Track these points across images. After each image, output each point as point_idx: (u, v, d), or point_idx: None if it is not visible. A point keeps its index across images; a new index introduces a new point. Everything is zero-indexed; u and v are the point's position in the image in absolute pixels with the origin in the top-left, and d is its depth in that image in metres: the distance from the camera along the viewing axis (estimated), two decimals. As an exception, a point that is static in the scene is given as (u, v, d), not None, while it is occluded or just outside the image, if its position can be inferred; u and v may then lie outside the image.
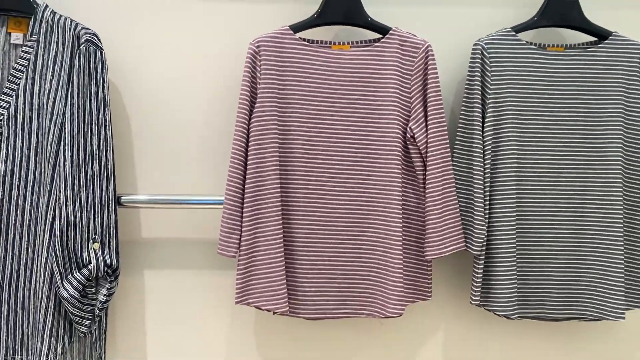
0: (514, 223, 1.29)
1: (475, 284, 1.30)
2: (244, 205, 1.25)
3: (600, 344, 1.46)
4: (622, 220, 1.30)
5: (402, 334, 1.43)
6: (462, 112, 1.33)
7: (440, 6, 1.40)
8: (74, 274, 1.20)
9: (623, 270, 1.28)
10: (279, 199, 1.25)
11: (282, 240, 1.25)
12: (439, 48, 1.36)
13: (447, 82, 1.39)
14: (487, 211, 1.30)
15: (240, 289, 1.25)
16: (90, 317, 1.22)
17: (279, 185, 1.25)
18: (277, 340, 1.41)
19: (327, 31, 1.37)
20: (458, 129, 1.33)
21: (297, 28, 1.29)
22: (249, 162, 1.25)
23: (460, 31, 1.40)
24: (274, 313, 1.27)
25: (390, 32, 1.29)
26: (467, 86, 1.32)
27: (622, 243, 1.29)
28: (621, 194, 1.30)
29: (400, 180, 1.27)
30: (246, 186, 1.25)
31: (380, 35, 1.31)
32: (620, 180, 1.30)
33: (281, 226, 1.25)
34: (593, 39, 1.37)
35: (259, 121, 1.25)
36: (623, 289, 1.28)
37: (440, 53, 1.37)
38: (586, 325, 1.42)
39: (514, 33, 1.32)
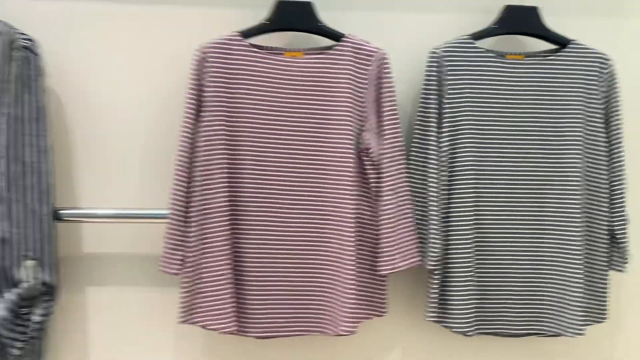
0: (471, 237, 1.25)
1: (430, 300, 1.25)
2: (190, 219, 1.19)
3: (561, 359, 1.44)
4: (582, 235, 1.26)
5: (357, 351, 1.38)
6: (417, 122, 1.29)
7: (398, 12, 1.35)
8: (5, 293, 1.14)
9: (583, 286, 1.25)
10: (228, 213, 1.19)
11: (230, 256, 1.19)
12: (396, 55, 1.32)
13: (405, 90, 1.34)
14: (443, 225, 1.26)
15: (185, 307, 1.19)
16: (23, 340, 1.14)
17: (228, 198, 1.20)
18: (227, 360, 1.38)
19: (281, 37, 1.31)
20: (413, 140, 1.29)
21: (247, 34, 1.23)
22: (195, 174, 1.19)
23: (418, 38, 1.35)
24: (222, 333, 1.21)
25: (343, 39, 1.24)
26: (422, 95, 1.28)
27: (582, 258, 1.25)
28: (581, 208, 1.26)
29: (353, 193, 1.22)
30: (192, 199, 1.19)
31: (334, 42, 1.27)
32: (580, 194, 1.27)
33: (229, 241, 1.19)
34: (554, 46, 1.33)
35: (206, 131, 1.19)
36: (582, 304, 1.25)
37: (398, 60, 1.32)
38: (546, 341, 1.38)
39: (472, 41, 1.27)
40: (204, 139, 1.19)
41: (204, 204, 1.19)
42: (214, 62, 1.20)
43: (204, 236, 1.19)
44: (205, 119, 1.19)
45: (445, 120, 1.26)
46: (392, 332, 1.39)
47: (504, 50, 1.34)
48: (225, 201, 1.19)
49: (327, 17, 1.28)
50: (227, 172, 1.20)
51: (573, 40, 1.30)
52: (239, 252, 1.22)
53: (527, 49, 1.37)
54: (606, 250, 1.30)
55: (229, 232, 1.19)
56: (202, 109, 1.20)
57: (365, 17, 1.34)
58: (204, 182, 1.19)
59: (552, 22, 1.34)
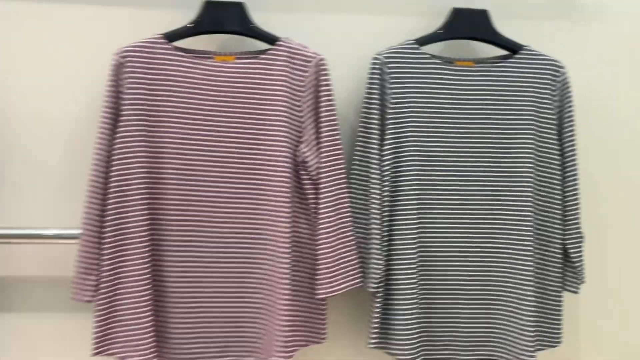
0: (416, 257, 1.16)
1: (372, 325, 1.16)
2: (104, 241, 1.08)
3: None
4: (533, 254, 1.18)
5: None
6: (359, 133, 1.19)
7: (340, 14, 1.26)
8: None
9: (533, 309, 1.16)
10: (147, 233, 1.08)
11: (149, 280, 1.08)
12: (338, 60, 1.24)
13: (348, 98, 1.25)
14: (386, 244, 1.16)
15: (100, 337, 1.08)
16: None
17: (147, 218, 1.09)
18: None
19: (214, 40, 1.21)
20: (355, 152, 1.20)
21: (172, 36, 1.13)
22: (110, 191, 1.08)
23: (363, 42, 1.26)
24: (141, 364, 1.12)
25: (278, 42, 1.14)
26: (364, 105, 1.19)
27: (533, 279, 1.17)
28: (532, 225, 1.18)
29: (289, 210, 1.12)
30: (107, 219, 1.08)
31: (269, 46, 1.16)
32: (531, 210, 1.18)
33: (149, 265, 1.08)
34: (506, 52, 1.25)
35: (122, 143, 1.08)
36: (533, 328, 1.16)
37: (340, 66, 1.24)
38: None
39: (417, 46, 1.19)
40: (119, 152, 1.08)
41: (120, 224, 1.08)
42: (133, 67, 1.09)
43: (119, 260, 1.08)
44: (121, 130, 1.08)
45: (389, 131, 1.17)
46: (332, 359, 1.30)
47: (454, 56, 1.26)
48: (143, 221, 1.08)
49: (262, 18, 1.19)
50: (147, 189, 1.09)
51: (525, 46, 1.22)
52: (160, 276, 1.11)
53: (479, 55, 1.29)
54: (560, 270, 1.21)
55: (148, 255, 1.08)
56: (120, 118, 1.09)
57: (304, 19, 1.25)
58: (119, 200, 1.08)
59: (505, 25, 1.26)
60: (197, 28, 1.13)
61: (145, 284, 1.08)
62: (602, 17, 1.35)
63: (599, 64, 1.35)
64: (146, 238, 1.08)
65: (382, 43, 1.24)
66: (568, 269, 1.22)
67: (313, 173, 1.14)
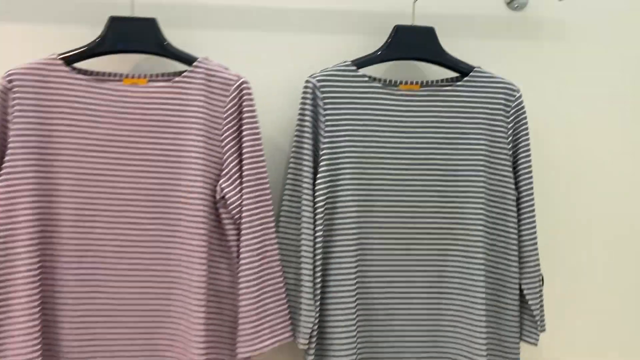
0: (354, 307, 1.02)
1: (304, 386, 1.04)
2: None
3: None
4: (484, 304, 1.03)
5: None
6: (290, 165, 1.06)
7: (273, 32, 1.13)
8: None
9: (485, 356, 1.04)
10: (36, 287, 0.92)
11: (39, 345, 0.91)
12: (272, 83, 1.11)
13: (283, 126, 1.12)
14: (320, 292, 1.02)
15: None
16: None
17: (37, 270, 0.92)
18: None
19: (126, 61, 1.07)
20: (285, 186, 1.06)
21: (70, 57, 0.98)
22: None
23: (302, 62, 1.13)
24: None
25: (196, 63, 1.00)
26: (296, 133, 1.05)
27: (485, 332, 1.03)
28: (483, 269, 1.04)
29: (205, 255, 0.97)
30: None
31: (187, 68, 1.02)
32: (483, 251, 1.04)
33: (38, 326, 0.91)
34: (457, 74, 1.13)
35: (8, 182, 0.92)
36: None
37: (274, 90, 1.12)
38: None
39: (354, 68, 1.06)
40: (4, 189, 0.92)
41: (3, 279, 0.91)
42: (22, 92, 0.94)
43: (3, 324, 0.92)
44: (6, 165, 0.93)
45: (323, 162, 1.03)
46: None
47: (402, 78, 1.15)
48: (30, 273, 0.92)
49: (182, 36, 1.07)
50: (38, 233, 0.93)
51: (476, 67, 1.09)
52: (54, 336, 0.95)
53: (428, 77, 1.17)
54: (517, 319, 1.08)
55: (37, 314, 0.91)
56: (6, 152, 0.94)
57: (232, 38, 1.12)
58: (3, 245, 0.91)
59: (457, 45, 1.17)
60: (99, 47, 0.99)
61: (35, 349, 0.91)
62: (559, 36, 1.24)
63: (557, 85, 1.23)
64: (35, 295, 0.91)
65: (323, 64, 1.12)
66: (526, 316, 1.09)
67: (234, 211, 1.00)
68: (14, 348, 0.91)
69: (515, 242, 1.08)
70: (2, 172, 0.93)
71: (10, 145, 0.93)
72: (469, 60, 1.17)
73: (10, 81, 0.94)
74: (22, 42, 1.05)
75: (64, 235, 0.96)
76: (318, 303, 1.02)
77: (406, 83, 1.11)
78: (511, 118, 1.08)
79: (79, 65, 1.01)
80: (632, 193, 1.27)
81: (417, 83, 1.11)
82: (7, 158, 0.93)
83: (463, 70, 1.10)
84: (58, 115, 0.96)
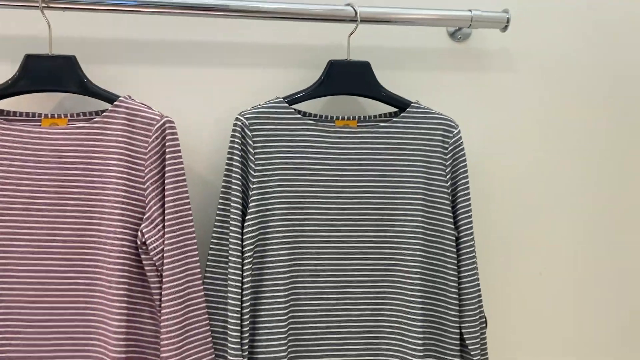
0: (285, 356, 0.97)
1: None
2: None
3: None
4: (421, 350, 0.99)
5: None
6: (218, 206, 1.01)
7: (202, 66, 1.08)
8: None
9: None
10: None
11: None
12: (199, 119, 1.07)
13: (213, 164, 1.08)
14: (247, 342, 0.97)
15: None
16: None
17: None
18: None
19: (50, 100, 1.02)
20: (213, 229, 1.01)
21: (-16, 98, 0.96)
22: None
23: (232, 97, 1.09)
24: None
25: (117, 102, 0.96)
26: (225, 173, 1.01)
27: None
28: (420, 314, 1.00)
29: (125, 304, 0.92)
30: None
31: (109, 107, 0.98)
32: (419, 297, 1.00)
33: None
34: (394, 109, 1.10)
35: None
36: None
37: (208, 127, 1.08)
38: None
39: (285, 104, 1.02)
40: None
41: None
42: None
43: None
44: None
45: (253, 203, 0.99)
46: None
47: (338, 112, 1.12)
48: None
49: (107, 72, 1.03)
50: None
51: (414, 102, 1.06)
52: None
53: (367, 112, 1.13)
54: (457, 362, 1.06)
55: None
56: None
57: (158, 73, 1.07)
58: None
59: (399, 77, 1.14)
60: (13, 87, 0.94)
61: None
62: (503, 66, 1.21)
63: (500, 116, 1.20)
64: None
65: (257, 98, 1.09)
66: (466, 358, 1.05)
67: (156, 257, 0.95)
68: None
69: (454, 283, 1.03)
70: None
71: None
72: (412, 93, 1.16)
73: None
74: None
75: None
76: (246, 353, 0.97)
77: (343, 119, 1.07)
78: (449, 155, 1.05)
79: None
80: (555, 227, 1.24)
81: (354, 119, 1.08)
82: None
83: (400, 105, 1.07)
84: (-33, 158, 0.92)
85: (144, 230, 0.95)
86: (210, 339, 0.96)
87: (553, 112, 1.23)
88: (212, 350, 0.96)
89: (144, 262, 0.95)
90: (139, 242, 0.94)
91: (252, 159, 1.00)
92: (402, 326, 1.01)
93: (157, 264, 0.95)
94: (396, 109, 1.09)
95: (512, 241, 1.21)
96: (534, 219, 1.22)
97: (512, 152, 1.21)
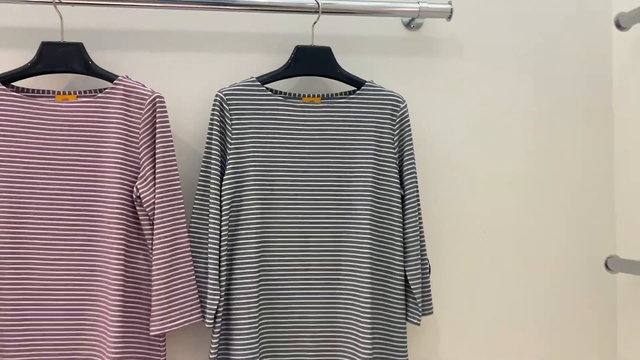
0: (256, 293, 1.16)
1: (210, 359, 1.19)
2: None
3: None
4: (369, 289, 1.18)
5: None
6: (201, 168, 1.20)
7: (188, 52, 1.28)
8: None
9: (370, 344, 1.17)
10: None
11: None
12: (190, 97, 1.27)
13: (197, 134, 1.27)
14: (224, 279, 1.17)
15: None
16: None
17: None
18: None
19: (62, 80, 1.23)
20: (196, 188, 1.21)
21: (6, 77, 1.14)
22: None
23: (212, 78, 1.28)
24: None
25: (116, 81, 1.17)
26: (207, 140, 1.20)
27: (369, 313, 1.18)
28: (369, 258, 1.19)
29: (123, 247, 1.13)
30: None
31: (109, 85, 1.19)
32: (368, 242, 1.19)
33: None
34: (353, 87, 1.29)
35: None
36: (370, 358, 1.17)
37: (192, 102, 1.27)
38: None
39: (258, 83, 1.21)
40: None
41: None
42: (-36, 107, 1.13)
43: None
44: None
45: (230, 166, 1.19)
46: None
47: (306, 92, 1.31)
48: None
49: (109, 57, 1.23)
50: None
51: (368, 81, 1.25)
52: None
53: (331, 91, 1.32)
54: (402, 302, 1.22)
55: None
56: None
57: (151, 57, 1.27)
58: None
59: (359, 62, 1.32)
60: (31, 69, 1.15)
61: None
62: (450, 52, 1.38)
63: (446, 96, 1.37)
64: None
65: (234, 79, 1.28)
66: (410, 300, 1.23)
67: (149, 209, 1.15)
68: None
69: (400, 234, 1.22)
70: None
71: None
72: (370, 76, 1.35)
73: (-47, 98, 1.11)
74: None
75: (1, 231, 1.12)
76: (223, 288, 1.17)
77: (308, 96, 1.26)
78: (397, 125, 1.24)
79: (18, 84, 1.18)
80: (495, 192, 1.40)
81: (318, 96, 1.26)
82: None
83: (357, 84, 1.26)
84: (-5, 127, 1.13)
85: (138, 187, 1.15)
86: (193, 276, 1.16)
87: (494, 89, 1.40)
88: (195, 285, 1.16)
89: (139, 212, 1.15)
90: (134, 197, 1.15)
91: (230, 128, 1.19)
92: (355, 269, 1.20)
93: (149, 214, 1.15)
94: (354, 88, 1.28)
95: (459, 203, 1.38)
96: (477, 184, 1.39)
97: (457, 126, 1.38)
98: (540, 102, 1.42)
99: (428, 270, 1.26)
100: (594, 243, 1.42)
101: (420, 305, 1.22)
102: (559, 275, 1.41)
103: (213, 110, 1.20)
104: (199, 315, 1.15)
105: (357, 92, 1.24)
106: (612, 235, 1.42)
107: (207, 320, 1.15)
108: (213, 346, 1.15)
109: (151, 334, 1.12)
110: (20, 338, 1.12)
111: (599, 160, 1.43)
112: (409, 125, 1.24)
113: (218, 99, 1.20)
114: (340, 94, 1.28)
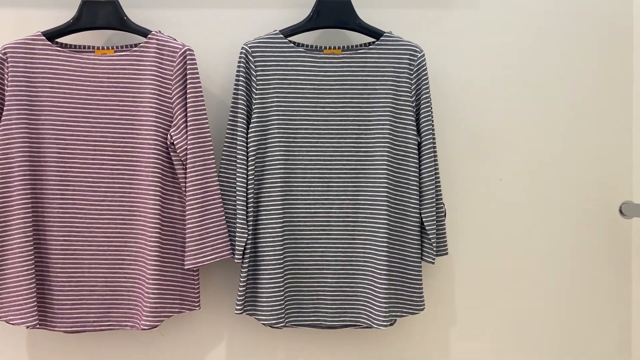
0: (280, 231, 1.26)
1: (239, 293, 1.26)
2: (-9, 218, 1.23)
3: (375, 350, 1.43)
4: (386, 229, 1.26)
5: (172, 344, 1.37)
6: (229, 117, 1.29)
7: (216, 8, 1.36)
8: None
9: (386, 278, 1.25)
10: (29, 210, 1.21)
11: (31, 252, 1.21)
12: (214, 50, 1.35)
13: (225, 85, 1.34)
14: (252, 218, 1.26)
15: (-11, 303, 1.24)
16: None
17: (29, 197, 1.22)
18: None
19: (102, 36, 1.33)
20: (225, 135, 1.30)
21: (51, 34, 1.25)
22: (-4, 174, 1.24)
23: (239, 32, 1.35)
24: (27, 327, 1.24)
25: (149, 35, 1.26)
26: (233, 91, 1.29)
27: (387, 252, 1.26)
28: (386, 200, 1.26)
29: (159, 189, 1.23)
30: (-8, 198, 1.24)
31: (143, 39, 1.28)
32: (385, 186, 1.26)
33: (30, 238, 1.21)
34: (372, 39, 1.33)
35: (4, 131, 1.21)
36: (386, 296, 1.25)
37: (216, 55, 1.35)
38: (362, 332, 1.38)
39: (281, 36, 1.28)
40: (1, 138, 1.20)
41: (3, 203, 1.21)
42: (14, 62, 1.22)
43: (4, 234, 1.21)
44: (3, 118, 1.21)
45: (254, 114, 1.27)
46: (206, 326, 1.38)
47: (328, 44, 1.36)
48: (25, 199, 1.21)
49: (143, 14, 1.31)
50: (29, 170, 1.22)
51: (387, 32, 1.30)
52: (45, 250, 1.24)
53: (352, 43, 1.37)
54: (418, 242, 1.29)
55: (30, 230, 1.21)
56: (4, 108, 1.22)
57: (182, 14, 1.35)
58: (2, 179, 1.21)
59: (377, 15, 1.36)
60: (73, 25, 1.25)
61: (27, 257, 1.20)
62: (467, 4, 1.40)
63: (463, 47, 1.41)
64: (28, 214, 1.21)
65: (259, 33, 1.33)
66: (425, 240, 1.30)
67: (182, 154, 1.25)
68: (12, 256, 1.19)
69: (415, 179, 1.29)
70: (0, 123, 1.21)
71: (6, 103, 1.22)
72: (388, 27, 1.37)
73: (4, 54, 1.22)
74: (15, 23, 1.31)
75: (49, 172, 1.23)
76: (250, 227, 1.26)
77: (329, 48, 1.32)
78: (414, 74, 1.29)
79: (62, 40, 1.27)
80: (511, 138, 1.43)
81: (339, 48, 1.32)
82: (4, 113, 1.21)
83: (375, 35, 1.31)
84: (42, 79, 1.23)
85: (172, 134, 1.24)
86: (223, 216, 1.26)
87: (510, 39, 1.42)
88: (225, 224, 1.26)
89: (173, 158, 1.25)
90: (168, 143, 1.25)
91: (254, 79, 1.27)
92: (373, 210, 1.27)
93: (182, 159, 1.25)
94: (373, 39, 1.33)
95: (476, 149, 1.42)
96: (493, 130, 1.42)
97: (471, 75, 1.41)
98: (559, 51, 1.43)
99: (443, 214, 1.33)
100: (610, 188, 1.45)
101: (434, 245, 1.29)
102: (574, 221, 1.45)
103: (239, 62, 1.27)
104: (228, 251, 1.26)
105: (376, 42, 1.30)
106: (629, 181, 1.45)
107: (237, 256, 1.26)
108: (242, 280, 1.26)
109: (185, 267, 1.24)
110: (68, 271, 1.25)
111: (617, 108, 1.45)
112: (426, 74, 1.29)
113: (243, 51, 1.27)
114: (360, 45, 1.33)
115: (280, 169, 1.27)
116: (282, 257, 1.26)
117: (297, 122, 1.28)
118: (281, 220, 1.27)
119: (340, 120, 1.28)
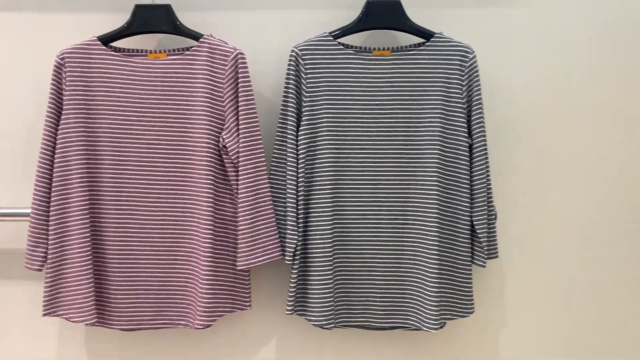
0: (330, 232, 1.27)
1: (289, 294, 1.28)
2: (50, 218, 1.25)
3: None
4: (437, 230, 1.26)
5: (224, 343, 1.40)
6: (279, 119, 1.30)
7: (267, 10, 1.36)
8: None
9: (437, 281, 1.25)
10: (87, 211, 1.25)
11: (89, 252, 1.25)
12: (264, 52, 1.36)
13: (275, 87, 1.35)
14: (302, 220, 1.27)
15: (48, 300, 1.26)
16: None
17: (87, 198, 1.25)
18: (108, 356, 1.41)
19: (152, 39, 1.35)
20: (275, 137, 1.31)
21: (106, 38, 1.27)
22: (54, 175, 1.25)
23: (290, 34, 1.35)
24: (86, 325, 1.28)
25: (202, 39, 1.27)
26: (283, 94, 1.29)
27: (437, 255, 1.25)
28: (437, 202, 1.26)
29: (212, 191, 1.26)
30: (52, 199, 1.25)
31: (196, 43, 1.29)
32: (436, 188, 1.26)
33: (89, 238, 1.25)
34: (422, 40, 1.32)
35: (63, 134, 1.25)
36: (437, 299, 1.25)
37: (267, 57, 1.36)
38: (409, 333, 1.38)
39: (331, 38, 1.28)
40: (61, 141, 1.24)
41: (63, 203, 1.25)
42: (72, 67, 1.25)
43: (63, 234, 1.25)
44: (62, 121, 1.25)
45: (304, 116, 1.28)
46: (257, 325, 1.41)
47: (377, 45, 1.34)
48: (83, 200, 1.24)
49: (194, 17, 1.33)
50: (86, 172, 1.25)
51: (437, 33, 1.28)
52: (102, 249, 1.27)
53: (401, 44, 1.35)
54: (468, 245, 1.29)
55: (88, 230, 1.25)
56: (62, 112, 1.25)
57: (233, 17, 1.36)
58: (62, 182, 1.25)
59: (427, 15, 1.34)
60: (127, 30, 1.27)
61: (86, 256, 1.24)
62: (517, 3, 1.38)
63: (514, 48, 1.38)
64: (86, 217, 1.24)
65: (308, 35, 1.33)
66: (476, 244, 1.29)
67: (233, 157, 1.27)
68: (71, 257, 1.23)
69: (467, 181, 1.28)
70: (60, 126, 1.24)
71: (64, 107, 1.25)
72: (437, 27, 1.35)
73: (62, 58, 1.25)
74: (71, 29, 1.34)
75: (105, 174, 1.27)
76: (301, 229, 1.28)
77: (378, 49, 1.31)
78: (466, 76, 1.27)
79: (115, 44, 1.30)
80: (564, 140, 1.40)
81: (388, 49, 1.32)
82: (63, 116, 1.25)
83: (426, 35, 1.30)
84: (98, 83, 1.26)
85: (224, 137, 1.26)
86: (274, 218, 1.27)
87: (556, 39, 1.38)
88: (276, 226, 1.27)
89: (225, 160, 1.27)
90: (220, 146, 1.26)
91: (304, 82, 1.27)
92: (423, 213, 1.27)
93: (234, 161, 1.26)
94: (423, 40, 1.32)
95: (526, 150, 1.40)
96: (544, 131, 1.40)
97: (522, 73, 1.39)
98: (611, 52, 1.39)
99: (494, 217, 1.32)
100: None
101: (485, 248, 1.28)
102: (629, 225, 1.42)
103: (289, 64, 1.28)
104: (279, 252, 1.27)
105: (426, 43, 1.29)
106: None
107: (287, 257, 1.27)
108: (292, 281, 1.27)
109: (238, 267, 1.26)
110: (124, 271, 1.28)
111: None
112: (477, 75, 1.27)
113: (293, 54, 1.28)
114: (410, 46, 1.32)
115: (329, 170, 1.27)
116: (331, 258, 1.27)
117: (347, 124, 1.28)
118: (331, 222, 1.27)
119: (390, 122, 1.28)
